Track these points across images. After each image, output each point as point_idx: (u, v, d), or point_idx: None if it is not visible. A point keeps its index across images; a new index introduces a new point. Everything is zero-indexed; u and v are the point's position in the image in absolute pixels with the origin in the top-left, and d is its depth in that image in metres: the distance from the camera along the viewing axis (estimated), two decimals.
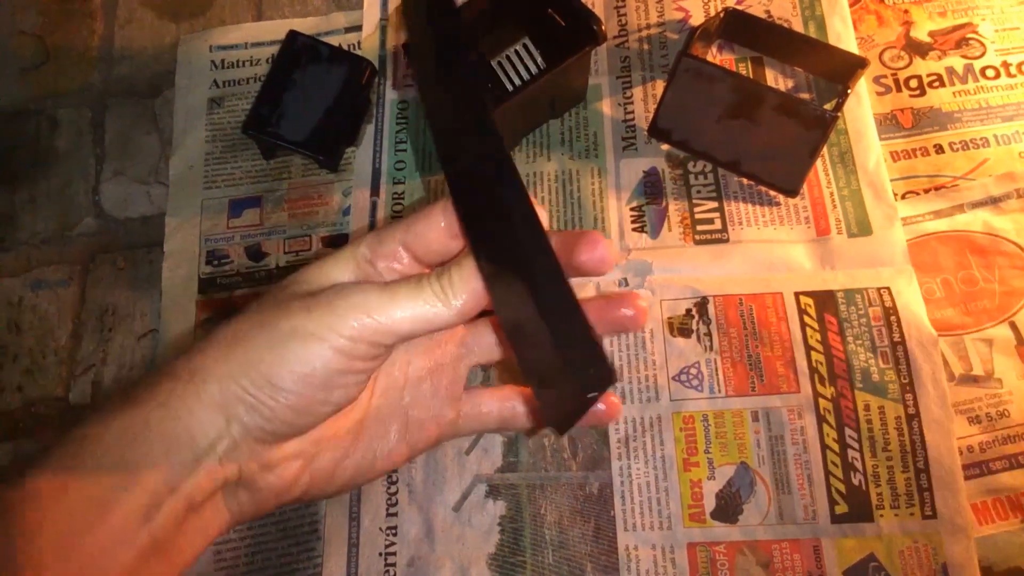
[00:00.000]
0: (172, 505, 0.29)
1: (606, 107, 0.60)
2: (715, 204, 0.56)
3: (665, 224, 0.56)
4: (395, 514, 0.51)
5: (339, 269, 0.32)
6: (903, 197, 0.55)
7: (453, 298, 0.31)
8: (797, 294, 0.53)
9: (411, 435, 0.36)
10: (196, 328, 0.57)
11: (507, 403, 0.38)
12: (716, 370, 0.52)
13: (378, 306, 0.30)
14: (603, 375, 0.26)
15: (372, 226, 0.58)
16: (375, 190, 0.59)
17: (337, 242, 0.58)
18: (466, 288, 0.31)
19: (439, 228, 0.33)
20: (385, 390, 0.37)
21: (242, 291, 0.58)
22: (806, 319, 0.52)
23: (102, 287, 0.60)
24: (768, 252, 0.54)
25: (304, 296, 0.31)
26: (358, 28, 0.65)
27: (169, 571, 0.30)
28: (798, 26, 0.60)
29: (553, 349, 0.27)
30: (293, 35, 0.60)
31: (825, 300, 0.53)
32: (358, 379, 0.32)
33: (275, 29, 0.65)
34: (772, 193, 0.56)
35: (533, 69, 0.55)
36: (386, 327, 0.30)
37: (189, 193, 0.61)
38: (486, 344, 0.37)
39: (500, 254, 0.29)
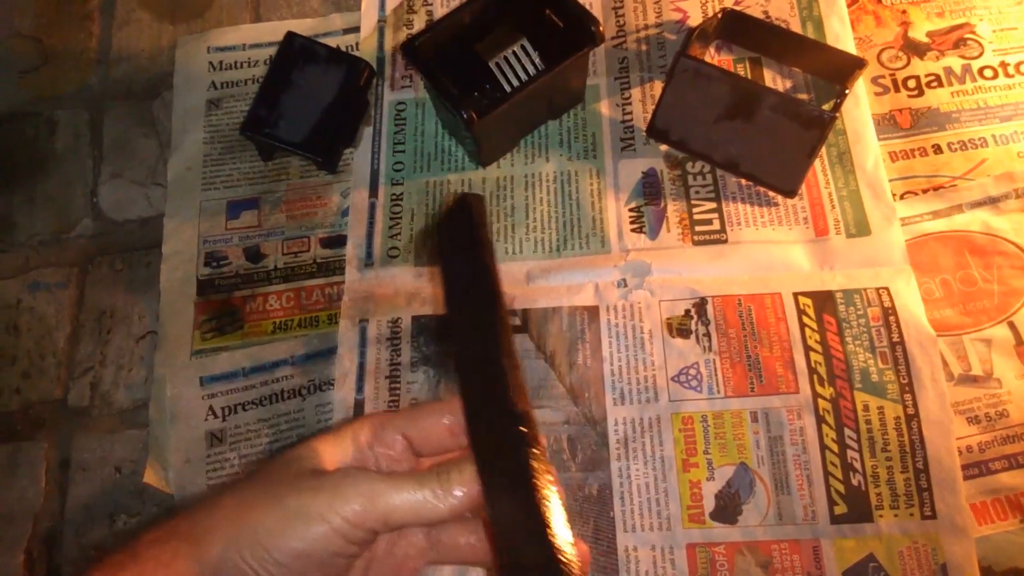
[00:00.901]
0: None
1: (604, 108, 0.60)
2: (714, 205, 0.56)
3: (664, 225, 0.56)
4: None
5: (340, 449, 0.35)
6: (902, 197, 0.55)
7: (450, 496, 0.32)
8: (796, 294, 0.53)
9: None
10: (194, 329, 0.57)
11: None
12: (715, 371, 0.52)
13: (382, 494, 0.32)
14: None
15: (370, 227, 0.58)
16: (373, 191, 0.59)
17: (335, 243, 0.58)
18: (463, 488, 0.33)
19: (442, 425, 0.35)
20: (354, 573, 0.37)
21: (241, 292, 0.58)
22: (805, 319, 0.52)
23: (100, 289, 0.60)
24: (767, 252, 0.54)
25: (310, 474, 0.33)
26: (356, 29, 0.65)
27: None
28: (796, 26, 0.60)
29: (536, 568, 0.29)
30: (291, 36, 0.60)
31: (824, 300, 0.53)
32: (348, 562, 0.33)
33: (273, 30, 0.65)
34: (771, 194, 0.56)
35: (531, 70, 0.55)
36: (385, 515, 0.32)
37: (187, 195, 0.61)
38: (456, 545, 0.38)
39: (500, 474, 0.32)
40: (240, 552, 0.31)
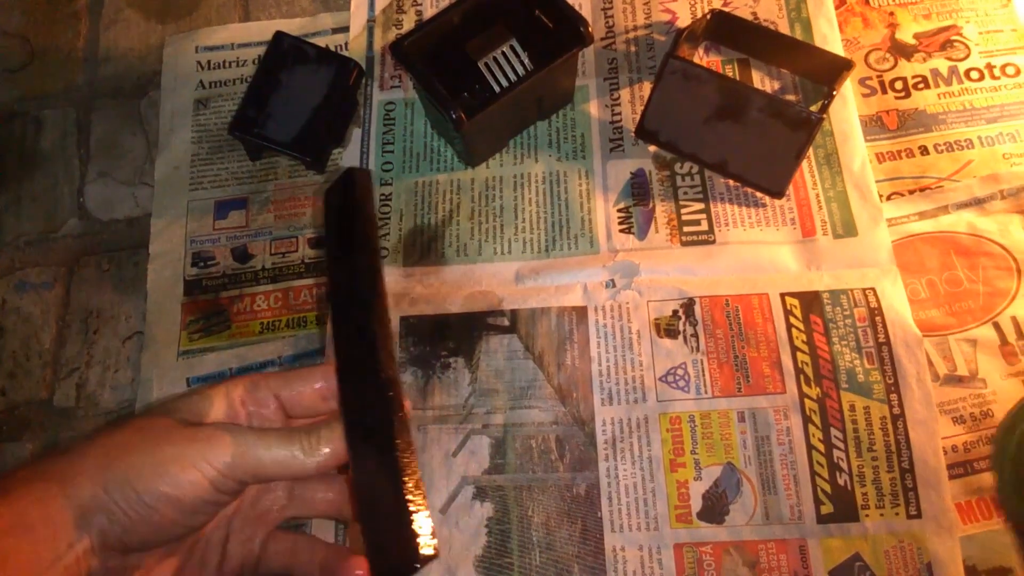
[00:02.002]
0: None
1: (593, 109, 0.60)
2: (702, 205, 0.56)
3: (652, 225, 0.56)
4: None
5: (213, 404, 0.36)
6: (888, 198, 0.56)
7: (317, 453, 0.35)
8: (783, 295, 0.53)
9: (226, 563, 0.38)
10: (181, 330, 0.57)
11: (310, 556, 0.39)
12: (703, 371, 0.52)
13: (253, 447, 0.34)
14: (428, 554, 0.32)
15: None
16: None
17: (324, 243, 0.58)
18: (330, 447, 0.35)
19: (314, 389, 0.37)
20: (218, 521, 0.38)
21: (228, 293, 0.58)
22: (792, 320, 0.52)
23: (87, 289, 0.60)
24: (754, 253, 0.54)
25: (184, 425, 0.34)
26: (345, 29, 0.65)
27: None
28: (784, 28, 0.61)
29: (390, 519, 0.33)
30: (280, 36, 0.59)
31: (811, 301, 0.53)
32: (216, 509, 0.35)
33: (261, 30, 0.65)
34: (758, 194, 0.56)
35: (520, 70, 0.55)
36: (255, 467, 0.34)
37: (175, 194, 0.61)
38: (314, 499, 0.40)
39: (364, 433, 0.35)
40: (111, 493, 0.32)
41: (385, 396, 0.34)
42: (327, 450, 0.35)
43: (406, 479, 0.33)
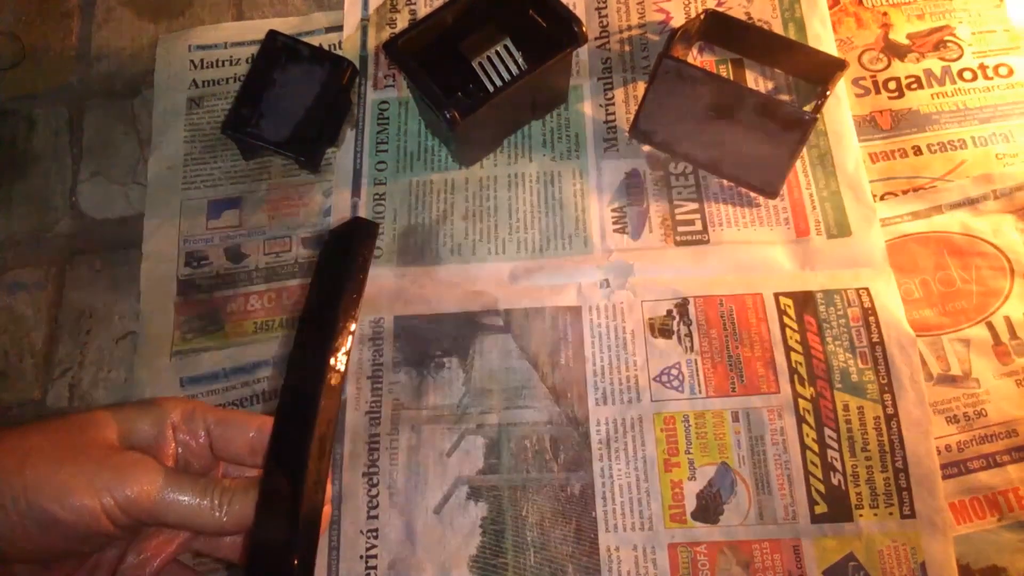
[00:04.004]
0: None
1: (587, 108, 0.60)
2: (696, 205, 0.56)
3: (646, 225, 0.56)
4: (376, 516, 0.50)
5: (144, 423, 0.34)
6: (882, 198, 0.56)
7: (226, 515, 0.33)
8: (777, 295, 0.53)
9: None
10: (175, 330, 0.56)
11: None
12: (697, 371, 0.52)
13: (163, 490, 0.32)
14: None
15: None
16: (356, 191, 0.59)
17: (318, 243, 0.58)
18: (241, 516, 0.33)
19: (247, 439, 0.36)
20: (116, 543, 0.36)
21: (222, 292, 0.57)
22: (786, 320, 0.52)
23: (79, 289, 0.60)
24: (748, 253, 0.54)
25: (101, 445, 0.33)
26: (339, 28, 0.64)
27: None
28: (778, 28, 0.61)
29: None
30: (273, 35, 0.59)
31: (805, 301, 0.53)
32: (108, 542, 0.33)
33: (255, 29, 0.65)
34: (752, 194, 0.56)
35: (515, 70, 0.55)
36: (159, 510, 0.32)
37: (168, 194, 0.60)
38: (222, 542, 0.38)
39: (273, 515, 0.32)
40: (4, 499, 0.30)
41: (300, 480, 0.31)
42: (236, 518, 0.33)
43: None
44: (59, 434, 0.32)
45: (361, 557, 0.50)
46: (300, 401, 0.33)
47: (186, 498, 0.33)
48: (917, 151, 0.57)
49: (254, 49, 0.63)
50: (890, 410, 0.50)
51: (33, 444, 0.32)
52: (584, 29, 0.52)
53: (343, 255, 0.36)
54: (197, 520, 0.33)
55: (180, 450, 0.36)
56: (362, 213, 0.58)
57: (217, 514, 0.33)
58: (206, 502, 0.33)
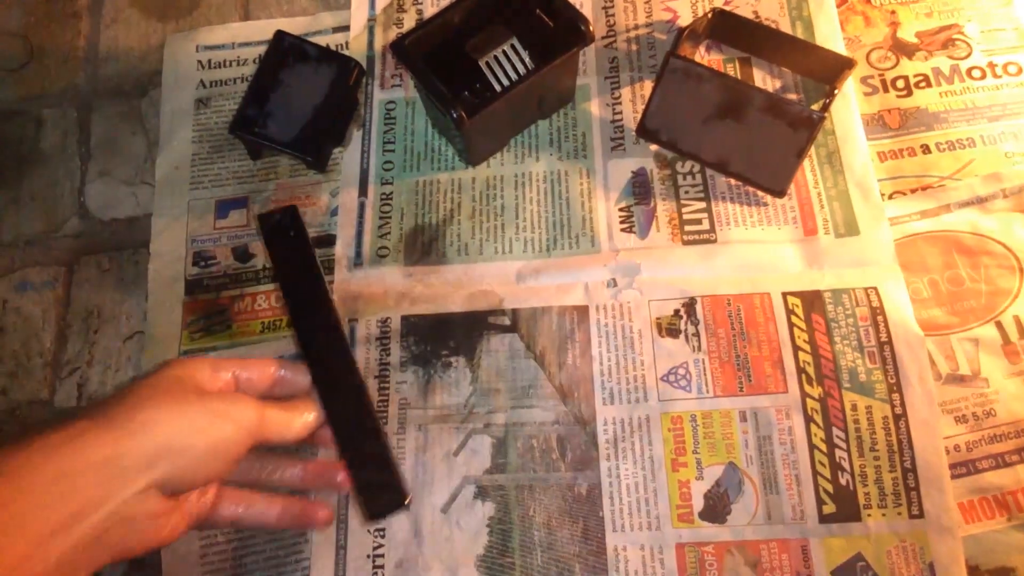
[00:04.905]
0: (93, 521, 0.34)
1: (594, 107, 0.60)
2: (703, 204, 0.56)
3: (653, 224, 0.56)
4: None
5: (206, 374, 0.41)
6: (890, 197, 0.56)
7: (305, 419, 0.43)
8: (785, 294, 0.53)
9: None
10: (182, 329, 0.57)
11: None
12: (704, 370, 0.52)
13: (263, 409, 0.41)
14: (409, 495, 0.45)
15: (360, 227, 0.58)
16: (363, 190, 0.59)
17: (324, 243, 0.58)
18: (312, 415, 0.44)
19: (269, 375, 0.44)
20: None
21: (229, 292, 0.58)
22: (794, 319, 0.52)
23: (87, 289, 0.60)
24: (756, 252, 0.54)
25: (212, 394, 0.41)
26: (346, 28, 0.65)
27: None
28: (786, 26, 0.60)
29: (375, 469, 0.45)
30: (280, 35, 0.59)
31: (812, 300, 0.53)
32: (233, 467, 0.40)
33: (262, 29, 0.65)
34: (760, 193, 0.56)
35: (521, 69, 0.55)
36: (265, 428, 0.41)
37: (175, 194, 0.61)
38: (284, 474, 0.46)
39: (342, 400, 0.45)
40: (172, 442, 0.37)
41: (352, 369, 0.46)
42: (311, 417, 0.43)
43: (383, 437, 0.45)
44: (168, 388, 0.39)
45: (368, 556, 0.50)
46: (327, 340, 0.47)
47: (278, 412, 0.42)
48: (926, 150, 0.57)
49: (261, 49, 0.63)
50: (898, 410, 0.50)
51: (165, 396, 0.38)
52: (591, 28, 0.52)
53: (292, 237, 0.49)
54: (289, 429, 0.42)
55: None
56: (369, 212, 0.58)
57: (299, 418, 0.43)
58: (290, 414, 0.43)
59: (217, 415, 0.39)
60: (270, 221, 0.50)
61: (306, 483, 0.46)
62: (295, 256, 0.49)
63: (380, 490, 0.44)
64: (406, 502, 0.44)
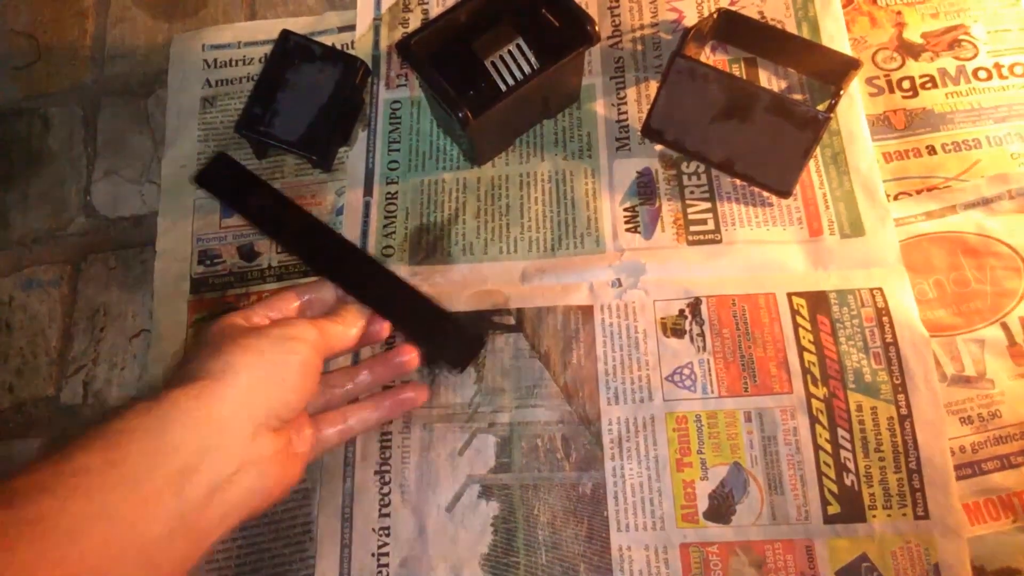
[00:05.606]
0: (202, 478, 0.36)
1: (600, 107, 0.60)
2: (708, 205, 0.56)
3: (658, 224, 0.56)
4: (388, 515, 0.50)
5: (242, 322, 0.45)
6: (895, 198, 0.56)
7: (357, 325, 0.48)
8: (790, 295, 0.53)
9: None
10: (188, 328, 0.57)
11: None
12: (709, 370, 0.52)
13: (321, 325, 0.45)
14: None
15: (365, 226, 0.58)
16: (368, 190, 0.59)
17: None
18: (362, 318, 0.48)
19: (293, 308, 0.48)
20: None
21: (235, 291, 0.58)
22: (799, 319, 0.52)
23: (93, 287, 0.60)
24: (761, 253, 0.54)
25: (270, 322, 0.45)
26: (351, 28, 0.65)
27: (191, 551, 0.36)
28: (791, 27, 0.60)
29: (437, 324, 0.51)
30: (286, 34, 0.59)
31: (818, 301, 0.53)
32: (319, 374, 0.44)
33: (268, 28, 0.65)
34: (765, 194, 0.56)
35: (527, 69, 0.55)
36: (330, 342, 0.45)
37: (181, 192, 0.61)
38: (335, 392, 0.50)
39: (378, 289, 0.51)
40: (266, 387, 0.40)
41: (361, 255, 0.52)
42: (362, 322, 0.48)
43: (428, 298, 0.51)
44: (233, 332, 0.42)
45: (373, 554, 0.50)
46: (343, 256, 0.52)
47: (334, 326, 0.46)
48: (931, 151, 0.57)
49: (267, 48, 0.63)
50: (904, 411, 0.50)
51: (243, 345, 0.41)
52: (596, 28, 0.52)
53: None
54: (346, 338, 0.47)
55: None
56: (374, 212, 0.58)
57: (352, 325, 0.47)
58: (340, 326, 0.46)
59: (283, 339, 0.41)
60: (205, 176, 0.54)
61: (378, 381, 0.50)
62: (246, 191, 0.53)
63: (454, 343, 0.50)
64: (485, 340, 0.52)
